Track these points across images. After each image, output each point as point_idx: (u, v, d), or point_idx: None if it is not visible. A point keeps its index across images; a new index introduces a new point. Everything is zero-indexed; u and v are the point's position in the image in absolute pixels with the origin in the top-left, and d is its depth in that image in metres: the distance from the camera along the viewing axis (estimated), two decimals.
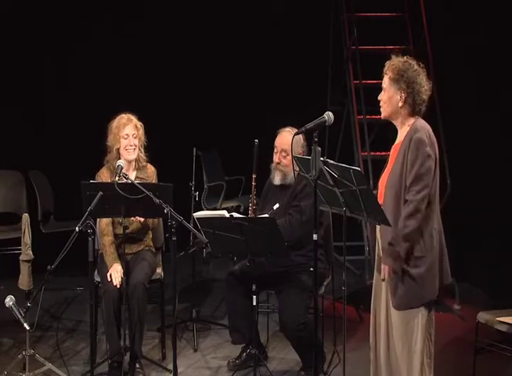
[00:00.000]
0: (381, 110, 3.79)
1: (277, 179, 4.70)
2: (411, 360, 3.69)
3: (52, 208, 6.76)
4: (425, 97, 3.71)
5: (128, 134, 4.67)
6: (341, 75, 7.33)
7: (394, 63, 3.73)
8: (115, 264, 4.58)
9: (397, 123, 3.78)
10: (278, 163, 4.67)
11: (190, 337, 5.31)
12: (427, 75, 3.75)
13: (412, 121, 3.71)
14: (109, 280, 4.51)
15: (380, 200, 3.69)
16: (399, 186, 3.62)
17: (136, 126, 4.70)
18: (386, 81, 3.74)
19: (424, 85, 3.70)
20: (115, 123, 4.70)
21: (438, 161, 3.65)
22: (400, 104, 3.70)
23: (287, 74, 7.54)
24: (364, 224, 6.37)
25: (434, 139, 3.68)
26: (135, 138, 4.69)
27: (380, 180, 3.79)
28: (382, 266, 3.69)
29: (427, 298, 3.68)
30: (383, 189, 3.72)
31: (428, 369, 3.71)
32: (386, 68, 3.76)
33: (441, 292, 3.73)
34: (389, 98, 3.73)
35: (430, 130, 3.71)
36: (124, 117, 4.72)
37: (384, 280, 3.70)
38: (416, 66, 3.71)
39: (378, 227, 3.75)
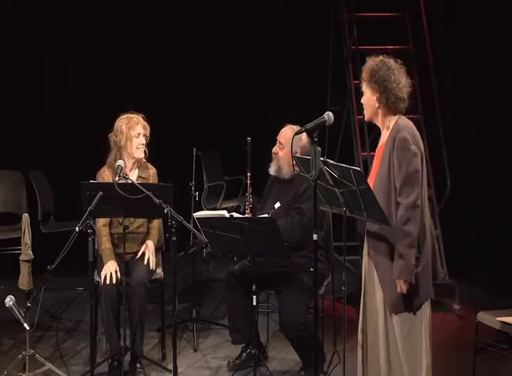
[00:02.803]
0: (364, 113, 3.79)
1: (272, 169, 4.74)
2: (417, 361, 3.63)
3: (52, 208, 6.75)
4: (401, 94, 3.64)
5: (139, 133, 4.73)
6: (341, 75, 7.32)
7: (368, 64, 3.71)
8: (108, 262, 4.57)
9: (378, 124, 3.76)
10: (275, 153, 4.72)
11: (190, 337, 5.31)
12: (407, 72, 3.70)
13: (393, 120, 3.67)
14: (102, 279, 4.52)
15: None
16: (388, 188, 3.58)
17: (145, 126, 4.78)
18: (363, 84, 3.73)
19: (400, 82, 3.64)
20: (124, 123, 4.72)
21: (423, 157, 3.62)
22: (376, 105, 3.68)
23: (287, 73, 7.54)
24: None
25: (418, 136, 3.65)
26: (144, 136, 4.76)
27: None
28: (396, 281, 3.57)
29: (425, 298, 3.64)
30: None
31: (431, 369, 3.67)
32: (362, 71, 3.73)
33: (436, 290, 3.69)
34: (367, 100, 3.72)
35: (414, 127, 3.67)
36: (133, 117, 4.77)
37: (403, 293, 3.57)
38: (390, 64, 3.66)
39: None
